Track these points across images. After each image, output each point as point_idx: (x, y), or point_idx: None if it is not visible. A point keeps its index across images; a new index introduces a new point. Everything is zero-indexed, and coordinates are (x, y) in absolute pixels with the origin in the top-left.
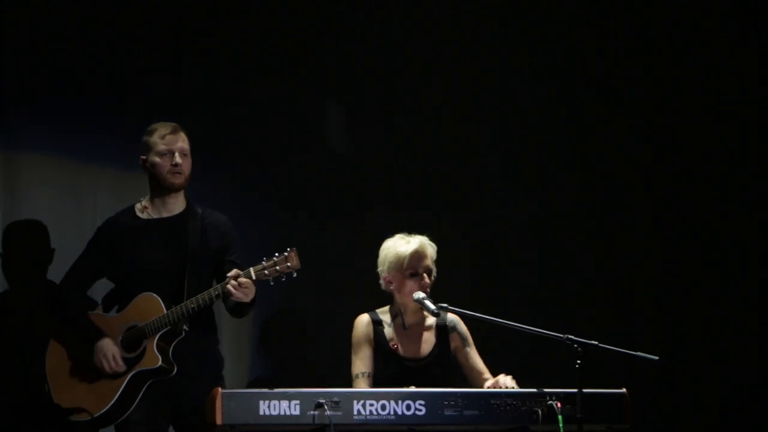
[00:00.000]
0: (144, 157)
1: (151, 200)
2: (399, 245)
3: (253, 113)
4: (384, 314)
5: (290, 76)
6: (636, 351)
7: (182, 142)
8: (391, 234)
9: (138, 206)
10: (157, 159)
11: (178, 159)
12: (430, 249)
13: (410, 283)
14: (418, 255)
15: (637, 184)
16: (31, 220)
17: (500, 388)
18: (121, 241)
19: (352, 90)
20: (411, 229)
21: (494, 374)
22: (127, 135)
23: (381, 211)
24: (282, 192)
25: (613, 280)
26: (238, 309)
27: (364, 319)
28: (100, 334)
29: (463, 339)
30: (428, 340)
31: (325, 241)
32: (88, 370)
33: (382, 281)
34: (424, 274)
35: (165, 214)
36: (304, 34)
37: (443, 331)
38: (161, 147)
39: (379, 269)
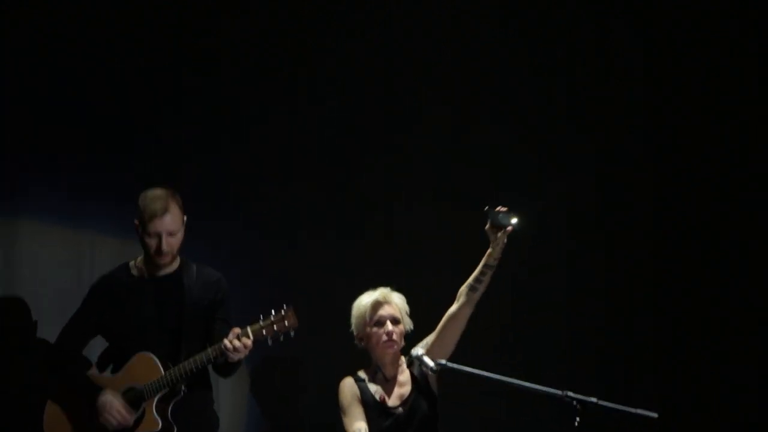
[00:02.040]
0: (137, 223)
1: (145, 260)
2: (362, 299)
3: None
4: (365, 373)
5: (290, 77)
6: (636, 399)
7: (170, 222)
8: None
9: (132, 264)
10: (145, 238)
11: (164, 246)
12: (395, 298)
13: (376, 333)
14: (379, 303)
15: (637, 184)
16: (11, 296)
17: None
18: (116, 298)
19: (352, 90)
20: (411, 235)
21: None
22: (125, 200)
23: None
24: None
25: (613, 281)
26: (225, 369)
27: (347, 381)
28: (99, 390)
29: (425, 345)
30: (407, 380)
31: (324, 293)
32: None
33: (356, 341)
34: (388, 322)
35: (159, 273)
36: (304, 34)
37: (420, 375)
38: (149, 228)
39: (352, 329)
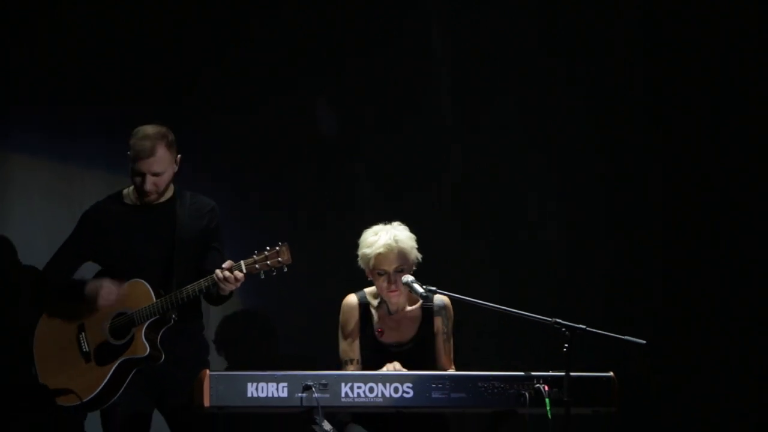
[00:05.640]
0: (130, 155)
1: None
2: (368, 242)
3: (249, 112)
4: (372, 297)
5: (289, 77)
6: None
7: (155, 164)
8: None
9: (126, 192)
10: (131, 174)
11: (147, 186)
12: (401, 246)
13: (379, 281)
14: (382, 257)
15: (637, 185)
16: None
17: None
18: (108, 226)
19: (351, 91)
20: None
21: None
22: (117, 137)
23: (370, 195)
24: (271, 186)
25: (614, 280)
26: (217, 299)
27: (351, 301)
28: (85, 281)
29: (444, 323)
30: (413, 323)
31: (313, 230)
32: (75, 354)
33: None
34: (392, 274)
35: (152, 201)
36: (304, 34)
37: (428, 313)
38: (134, 167)
39: (359, 260)
